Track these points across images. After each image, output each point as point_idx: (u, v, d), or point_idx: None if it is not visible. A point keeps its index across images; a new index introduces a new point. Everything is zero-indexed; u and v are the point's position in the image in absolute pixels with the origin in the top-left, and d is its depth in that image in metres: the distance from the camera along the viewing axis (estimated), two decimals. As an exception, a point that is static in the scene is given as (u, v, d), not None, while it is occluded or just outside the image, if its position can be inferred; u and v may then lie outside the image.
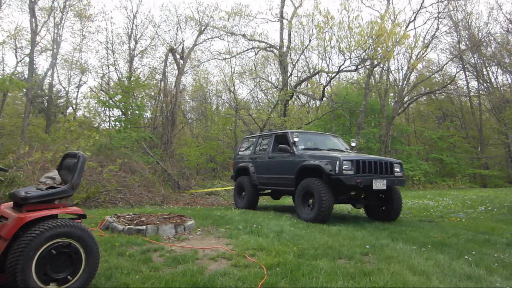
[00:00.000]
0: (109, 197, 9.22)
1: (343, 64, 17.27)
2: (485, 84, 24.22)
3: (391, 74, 22.66)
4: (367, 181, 6.12)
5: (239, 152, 9.33)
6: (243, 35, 19.87)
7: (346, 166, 6.10)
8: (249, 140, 9.24)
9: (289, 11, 21.52)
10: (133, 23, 20.89)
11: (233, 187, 13.54)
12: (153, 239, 4.51)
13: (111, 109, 19.61)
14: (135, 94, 18.69)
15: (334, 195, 6.24)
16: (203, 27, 19.42)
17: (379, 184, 6.22)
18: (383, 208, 6.96)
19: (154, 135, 17.65)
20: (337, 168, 6.08)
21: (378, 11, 20.80)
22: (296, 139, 7.20)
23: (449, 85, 22.84)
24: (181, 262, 3.60)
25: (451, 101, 25.94)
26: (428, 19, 20.71)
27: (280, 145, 7.50)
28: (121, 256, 3.75)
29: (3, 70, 20.17)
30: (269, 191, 8.53)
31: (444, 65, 23.16)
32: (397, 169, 6.68)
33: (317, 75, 21.16)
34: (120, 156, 11.60)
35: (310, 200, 6.43)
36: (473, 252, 4.32)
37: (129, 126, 16.67)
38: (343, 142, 8.57)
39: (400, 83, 21.66)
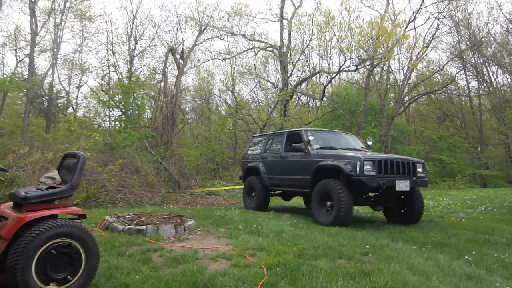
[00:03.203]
0: (109, 197, 9.22)
1: (343, 64, 17.30)
2: (485, 84, 24.22)
3: (391, 74, 22.67)
4: (390, 182, 5.76)
5: (248, 152, 8.99)
6: (243, 35, 19.90)
7: (368, 167, 5.74)
8: (258, 139, 8.88)
9: (289, 11, 21.56)
10: (133, 23, 20.93)
11: (234, 187, 13.58)
12: (153, 239, 4.51)
13: (111, 109, 19.63)
14: (135, 94, 18.69)
15: (353, 197, 5.91)
16: (203, 27, 19.43)
17: (402, 185, 5.86)
18: (404, 210, 6.60)
19: (155, 134, 17.69)
20: (357, 169, 5.71)
21: (378, 11, 20.83)
22: (311, 138, 6.79)
23: (449, 85, 22.85)
24: (181, 262, 3.61)
25: (451, 101, 25.94)
26: (428, 19, 20.67)
27: (293, 144, 7.13)
28: (121, 256, 3.75)
29: (3, 70, 20.20)
30: (280, 191, 8.19)
31: (444, 65, 23.19)
32: (419, 169, 6.33)
33: (317, 75, 21.18)
34: (123, 156, 11.63)
35: (328, 203, 6.07)
36: (473, 252, 4.32)
37: (129, 126, 16.68)
38: (358, 140, 8.14)
39: (400, 83, 21.67)
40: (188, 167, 16.67)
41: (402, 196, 6.55)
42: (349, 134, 8.46)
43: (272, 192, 8.17)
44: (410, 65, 19.49)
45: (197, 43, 19.89)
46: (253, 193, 8.23)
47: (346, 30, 16.42)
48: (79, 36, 21.47)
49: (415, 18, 18.95)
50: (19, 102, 22.88)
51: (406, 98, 22.45)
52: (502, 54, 22.36)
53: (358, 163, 5.75)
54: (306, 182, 6.62)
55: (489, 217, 7.53)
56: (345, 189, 5.79)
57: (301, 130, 7.41)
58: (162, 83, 19.57)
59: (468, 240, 5.11)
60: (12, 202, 2.92)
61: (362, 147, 7.56)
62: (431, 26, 29.92)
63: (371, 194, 6.58)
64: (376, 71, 21.15)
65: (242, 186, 13.56)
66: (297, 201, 10.13)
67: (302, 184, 6.83)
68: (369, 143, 7.85)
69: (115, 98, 18.23)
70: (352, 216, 6.02)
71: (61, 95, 24.73)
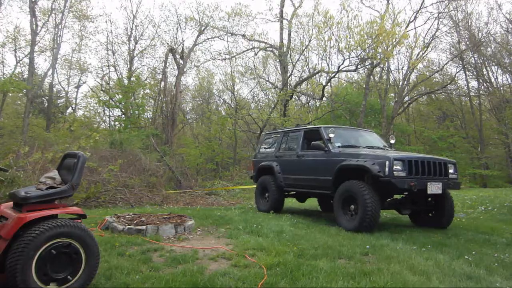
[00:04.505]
0: (109, 197, 9.22)
1: (342, 63, 17.29)
2: (485, 84, 24.19)
3: (391, 74, 22.68)
4: (421, 184, 5.28)
5: (260, 150, 8.56)
6: (243, 35, 19.92)
7: (397, 167, 5.27)
8: (272, 136, 8.43)
9: (289, 11, 21.52)
10: (133, 23, 20.93)
11: (234, 188, 13.57)
12: (153, 239, 4.52)
13: (110, 109, 19.64)
14: (135, 95, 18.71)
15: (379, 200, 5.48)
16: (203, 27, 19.45)
17: (434, 187, 5.37)
18: (432, 213, 6.20)
19: (158, 132, 17.77)
20: (386, 169, 5.22)
21: (378, 11, 20.77)
22: (331, 135, 6.31)
23: (449, 85, 22.85)
24: (181, 262, 3.61)
25: (451, 101, 25.93)
26: (428, 19, 20.69)
27: (312, 142, 6.68)
28: (121, 256, 3.75)
29: (3, 70, 20.22)
30: (295, 192, 7.76)
31: (444, 65, 23.18)
32: (451, 170, 5.86)
33: (317, 75, 21.18)
34: (133, 152, 11.73)
35: (352, 206, 5.64)
36: (473, 252, 4.32)
37: (129, 126, 16.71)
38: (379, 138, 7.60)
39: (400, 83, 21.67)
40: (188, 167, 16.69)
41: (430, 199, 6.14)
42: (369, 132, 7.87)
43: (287, 193, 7.77)
44: (410, 65, 19.49)
45: (197, 43, 19.91)
46: (267, 194, 7.81)
47: (345, 29, 16.42)
48: (79, 36, 21.49)
49: (415, 18, 18.97)
50: (19, 102, 22.89)
51: (406, 98, 22.45)
52: (502, 54, 22.35)
53: (387, 163, 5.26)
54: (327, 183, 6.16)
55: (489, 217, 7.53)
56: (371, 192, 5.34)
57: (320, 127, 6.98)
58: (162, 83, 19.59)
59: (468, 240, 5.11)
60: (12, 202, 2.92)
61: (384, 146, 7.10)
62: (431, 26, 29.93)
63: (396, 196, 6.25)
64: (376, 71, 21.16)
65: (243, 187, 13.64)
66: (297, 201, 10.12)
67: (322, 185, 6.37)
68: (392, 141, 7.34)
69: (115, 98, 18.25)
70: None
71: (61, 95, 24.75)
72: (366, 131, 7.95)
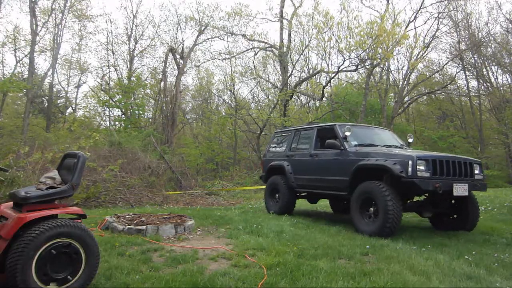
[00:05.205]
0: (109, 197, 9.22)
1: (342, 64, 17.29)
2: (485, 84, 24.19)
3: (391, 74, 22.67)
4: (447, 185, 4.94)
5: (270, 149, 8.24)
6: (243, 35, 19.93)
7: (421, 167, 4.95)
8: (282, 135, 8.08)
9: (289, 11, 21.55)
10: (133, 23, 20.95)
11: (234, 188, 13.57)
12: (153, 239, 4.52)
13: (111, 109, 19.65)
14: (135, 94, 18.70)
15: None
16: (203, 27, 19.47)
17: (460, 189, 5.03)
18: (455, 216, 5.89)
19: (157, 134, 17.77)
20: (409, 169, 4.90)
21: (378, 11, 20.77)
22: (347, 133, 6.00)
23: (449, 85, 22.85)
24: (181, 262, 3.61)
25: (451, 101, 25.93)
26: (428, 19, 20.64)
27: (327, 141, 6.28)
28: (121, 256, 3.75)
29: (3, 70, 20.22)
30: (306, 193, 7.47)
31: (444, 65, 23.16)
32: (476, 171, 5.54)
33: (317, 75, 21.18)
34: (133, 151, 11.76)
35: (371, 209, 5.30)
36: (473, 252, 4.32)
37: (129, 126, 16.71)
38: (395, 136, 7.28)
39: (400, 83, 21.67)
40: (188, 167, 16.70)
41: (453, 201, 5.82)
42: (384, 130, 7.47)
43: (298, 194, 7.47)
44: (410, 65, 19.49)
45: (197, 43, 19.92)
46: (277, 195, 7.53)
47: (345, 30, 16.44)
48: (79, 36, 21.51)
49: (415, 18, 18.96)
50: (19, 102, 22.91)
51: (406, 98, 22.45)
52: (502, 54, 22.34)
53: (410, 162, 4.94)
54: (343, 184, 5.83)
55: (489, 217, 7.52)
56: (392, 193, 5.02)
57: (335, 124, 6.57)
58: (162, 83, 19.59)
59: (468, 240, 5.11)
60: (12, 202, 2.93)
61: (402, 145, 6.73)
62: (431, 26, 29.96)
63: (417, 198, 6.01)
64: (376, 71, 21.16)
65: (243, 188, 13.64)
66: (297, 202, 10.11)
67: (337, 186, 6.05)
68: (410, 140, 7.04)
69: (115, 98, 18.26)
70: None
71: (61, 95, 24.76)
72: (381, 129, 7.61)
